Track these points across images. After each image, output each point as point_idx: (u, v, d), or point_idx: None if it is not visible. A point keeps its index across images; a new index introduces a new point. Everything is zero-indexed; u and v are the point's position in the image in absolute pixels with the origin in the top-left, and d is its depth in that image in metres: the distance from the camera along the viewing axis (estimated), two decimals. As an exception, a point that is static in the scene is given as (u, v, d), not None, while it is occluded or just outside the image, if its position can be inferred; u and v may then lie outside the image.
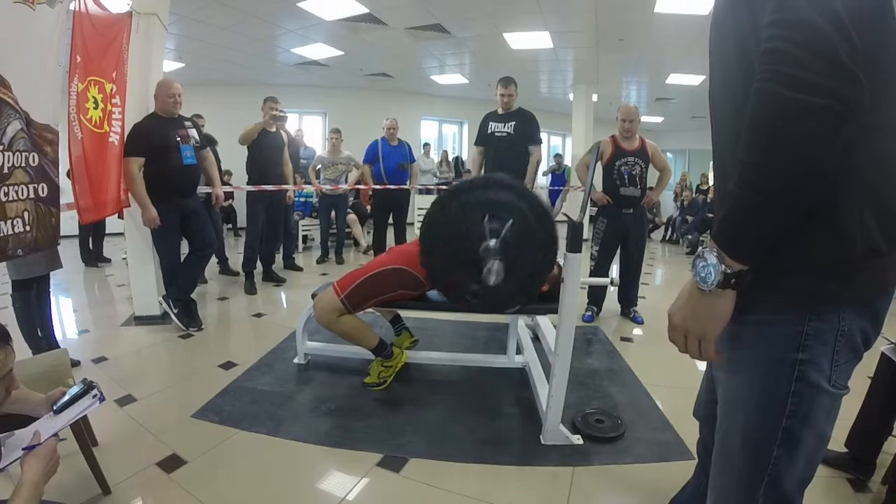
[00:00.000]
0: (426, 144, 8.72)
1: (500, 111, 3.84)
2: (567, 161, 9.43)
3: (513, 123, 3.74)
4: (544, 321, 2.28)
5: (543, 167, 9.09)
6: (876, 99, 0.66)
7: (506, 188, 1.45)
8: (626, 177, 3.31)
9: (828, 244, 0.71)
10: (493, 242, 1.38)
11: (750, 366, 0.80)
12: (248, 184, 4.21)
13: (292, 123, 7.12)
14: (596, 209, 3.53)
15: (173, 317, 3.08)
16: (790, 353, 0.76)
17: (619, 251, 3.50)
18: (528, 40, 5.53)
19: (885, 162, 0.71)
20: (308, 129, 8.60)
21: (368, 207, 6.31)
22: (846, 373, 0.78)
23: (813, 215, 0.69)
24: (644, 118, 10.52)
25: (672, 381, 2.47)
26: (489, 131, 3.82)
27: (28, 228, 1.87)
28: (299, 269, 4.98)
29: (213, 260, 4.31)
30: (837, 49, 0.59)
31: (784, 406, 0.77)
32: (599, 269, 3.48)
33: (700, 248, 0.74)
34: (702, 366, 2.56)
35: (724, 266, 0.70)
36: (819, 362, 0.75)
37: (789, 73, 0.61)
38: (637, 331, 3.32)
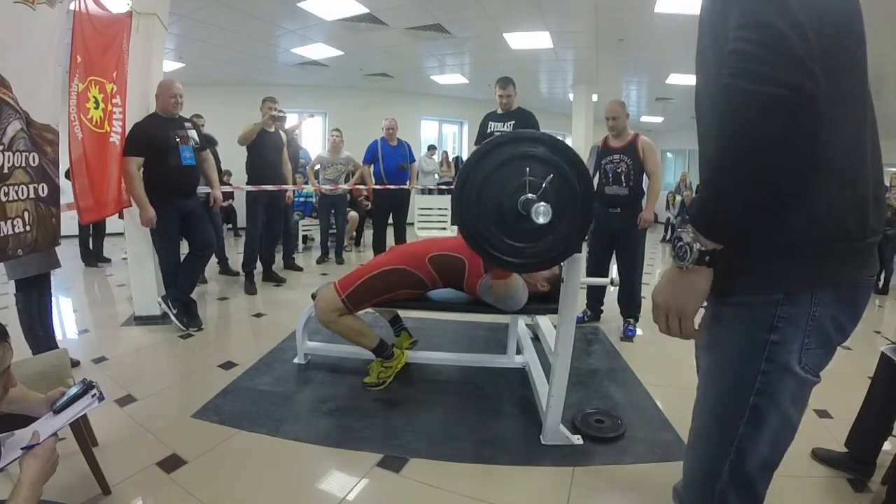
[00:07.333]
0: (431, 147, 8.65)
1: (499, 111, 3.87)
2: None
3: (512, 123, 3.76)
4: (544, 321, 2.28)
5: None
6: (840, 92, 0.71)
7: (540, 142, 1.44)
8: (610, 175, 3.17)
9: (799, 227, 0.75)
10: (531, 196, 1.36)
11: (725, 344, 0.85)
12: (247, 184, 4.21)
13: (293, 123, 7.11)
14: None
15: (172, 317, 3.08)
16: (762, 333, 0.79)
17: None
18: (528, 40, 5.52)
19: (847, 149, 0.75)
20: (308, 129, 8.58)
21: (368, 204, 6.28)
22: (816, 359, 0.81)
23: (785, 200, 0.73)
24: (644, 118, 10.53)
25: (672, 381, 2.47)
26: (489, 131, 3.82)
27: (28, 228, 1.87)
28: (299, 269, 4.99)
29: (213, 260, 4.31)
30: (794, 47, 0.64)
31: (753, 384, 0.81)
32: (590, 271, 3.35)
33: (678, 230, 0.78)
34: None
35: (698, 244, 0.75)
36: (789, 345, 0.79)
37: (749, 69, 0.66)
38: (637, 330, 3.32)
